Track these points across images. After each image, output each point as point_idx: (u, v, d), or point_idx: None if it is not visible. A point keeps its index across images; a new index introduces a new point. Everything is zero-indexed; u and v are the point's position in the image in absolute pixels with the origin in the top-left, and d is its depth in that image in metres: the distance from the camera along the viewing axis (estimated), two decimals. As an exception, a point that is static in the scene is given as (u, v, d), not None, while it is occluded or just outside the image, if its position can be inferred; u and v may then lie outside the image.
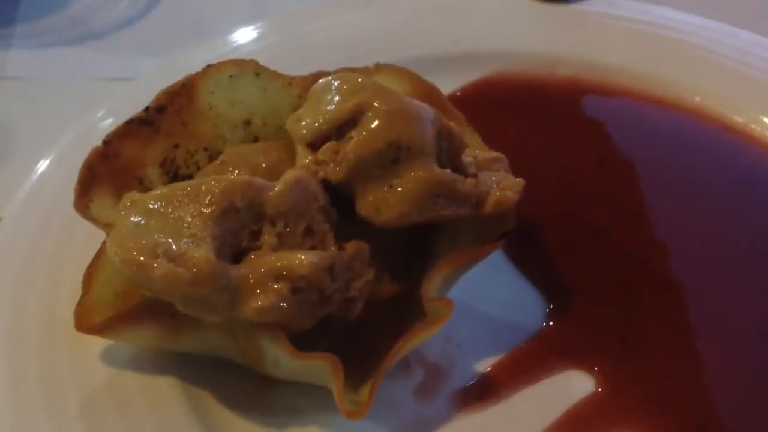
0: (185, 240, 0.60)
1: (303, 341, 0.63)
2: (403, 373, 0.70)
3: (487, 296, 0.76)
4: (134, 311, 0.63)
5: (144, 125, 0.70)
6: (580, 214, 0.83)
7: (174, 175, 0.71)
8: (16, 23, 1.10)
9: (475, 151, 0.75)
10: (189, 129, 0.72)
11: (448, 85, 0.96)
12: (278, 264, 0.60)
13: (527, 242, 0.80)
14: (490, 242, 0.69)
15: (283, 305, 0.60)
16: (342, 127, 0.66)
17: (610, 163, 0.89)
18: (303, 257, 0.60)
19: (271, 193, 0.63)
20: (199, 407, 0.65)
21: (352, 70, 0.78)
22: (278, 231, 0.63)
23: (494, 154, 0.75)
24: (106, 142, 0.69)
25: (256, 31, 1.00)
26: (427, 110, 0.68)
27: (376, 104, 0.65)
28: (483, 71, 0.99)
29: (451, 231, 0.72)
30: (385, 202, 0.65)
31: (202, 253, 0.58)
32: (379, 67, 0.80)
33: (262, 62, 0.75)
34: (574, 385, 0.69)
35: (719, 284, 0.77)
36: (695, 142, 0.91)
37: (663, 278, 0.77)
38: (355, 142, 0.65)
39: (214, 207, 0.61)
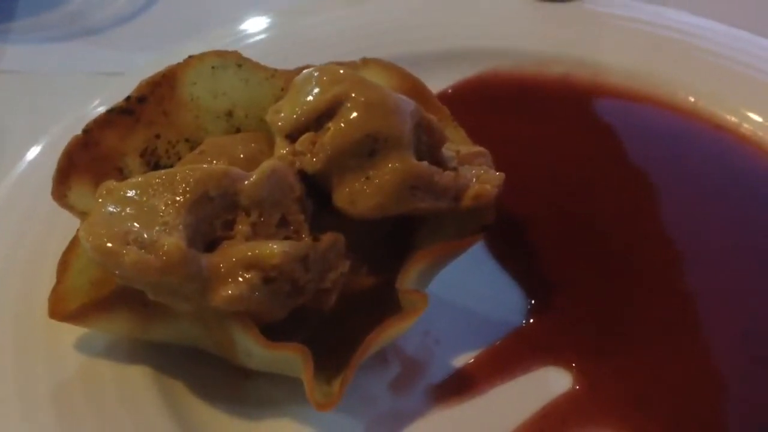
0: (158, 228, 0.60)
1: (279, 332, 0.63)
2: (380, 366, 0.69)
3: (468, 291, 0.75)
4: (107, 299, 0.63)
5: (125, 115, 0.70)
6: (567, 210, 0.83)
7: (155, 165, 0.71)
8: (15, 18, 1.11)
9: (458, 145, 0.74)
10: (170, 119, 0.72)
11: (441, 81, 0.97)
12: (249, 253, 0.60)
13: (511, 238, 0.80)
14: (469, 236, 0.68)
15: (254, 294, 0.59)
16: (320, 118, 0.66)
17: (600, 161, 0.89)
18: (275, 247, 0.60)
19: (246, 183, 0.63)
20: (172, 397, 0.65)
21: (340, 64, 0.78)
22: (252, 221, 0.62)
23: (477, 148, 0.74)
24: (87, 131, 0.69)
25: (250, 26, 1.00)
26: (406, 103, 0.67)
27: (353, 95, 0.65)
28: (477, 68, 0.98)
29: (432, 224, 0.72)
30: (361, 194, 0.64)
31: (172, 241, 0.58)
32: (366, 62, 0.80)
33: (255, 57, 0.75)
34: (552, 382, 0.68)
35: (705, 282, 0.76)
36: (687, 141, 0.90)
37: (648, 276, 0.77)
38: (332, 132, 0.64)
39: (187, 195, 0.61)
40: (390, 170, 0.64)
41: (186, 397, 0.66)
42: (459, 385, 0.68)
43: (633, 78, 0.96)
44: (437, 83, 0.95)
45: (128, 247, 0.58)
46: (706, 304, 0.74)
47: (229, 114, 0.74)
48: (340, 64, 0.77)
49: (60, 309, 0.64)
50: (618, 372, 0.69)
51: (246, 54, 0.76)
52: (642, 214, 0.82)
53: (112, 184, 0.63)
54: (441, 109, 0.77)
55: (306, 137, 0.65)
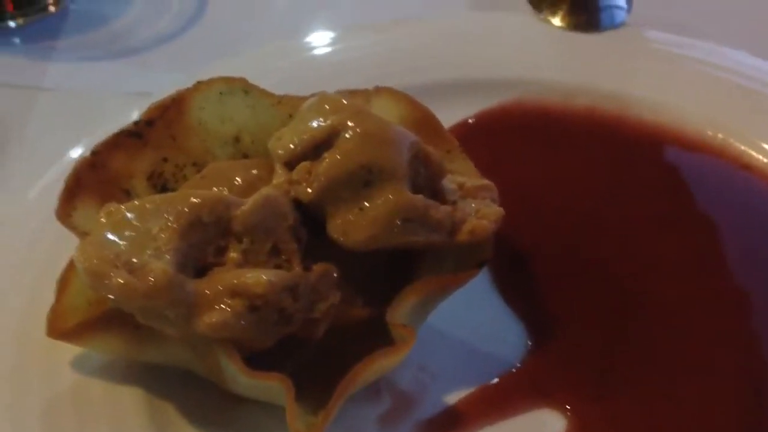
0: (149, 252, 0.61)
1: (269, 360, 0.63)
2: (371, 399, 0.69)
3: (468, 326, 0.74)
4: (100, 320, 0.64)
5: (133, 137, 0.72)
6: (579, 248, 0.81)
7: (162, 188, 0.72)
8: (60, 37, 1.15)
9: (465, 178, 0.74)
10: (178, 143, 0.73)
11: (462, 110, 0.96)
12: (235, 281, 0.60)
13: (518, 273, 0.79)
14: (465, 271, 0.67)
15: (239, 322, 0.60)
16: (318, 148, 0.66)
17: (621, 197, 0.87)
18: (262, 276, 0.60)
19: (239, 210, 0.63)
20: (162, 421, 0.65)
21: (353, 92, 0.78)
22: (244, 248, 0.63)
23: (484, 182, 0.73)
24: (95, 153, 0.71)
25: (278, 51, 1.02)
26: (403, 134, 0.67)
27: (350, 126, 0.65)
28: (500, 98, 0.97)
29: (432, 258, 0.71)
30: (354, 225, 0.64)
31: (160, 266, 0.59)
32: (378, 90, 0.80)
33: (279, 82, 0.76)
34: (545, 424, 0.66)
35: (717, 331, 0.73)
36: (713, 181, 0.87)
37: (658, 319, 0.74)
38: (327, 163, 0.65)
39: (181, 221, 0.62)
40: (383, 202, 0.64)
41: (176, 420, 0.66)
42: (449, 423, 0.67)
43: (661, 113, 0.93)
44: (459, 112, 0.95)
45: (116, 270, 0.59)
46: (717, 354, 0.71)
47: (236, 139, 0.75)
48: (353, 92, 0.78)
49: (57, 327, 0.65)
50: (614, 419, 0.67)
51: (267, 80, 0.77)
52: (657, 255, 0.80)
53: (113, 206, 0.64)
54: (450, 140, 0.77)
55: (302, 166, 0.66)
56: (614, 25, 1.06)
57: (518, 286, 0.77)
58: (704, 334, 0.73)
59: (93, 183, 0.70)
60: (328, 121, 0.66)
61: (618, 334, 0.73)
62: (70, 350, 0.68)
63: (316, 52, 1.03)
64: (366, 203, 0.64)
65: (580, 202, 0.87)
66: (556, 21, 1.07)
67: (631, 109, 0.95)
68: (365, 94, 0.79)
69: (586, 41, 1.03)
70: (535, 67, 0.99)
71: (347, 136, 0.65)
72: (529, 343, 0.72)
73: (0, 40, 1.13)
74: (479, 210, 0.68)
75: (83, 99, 1.04)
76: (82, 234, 0.67)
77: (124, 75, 1.09)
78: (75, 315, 0.66)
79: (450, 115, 0.94)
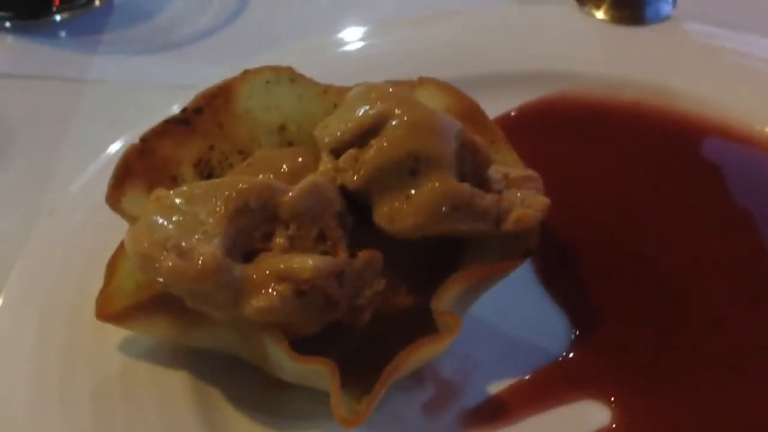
0: (198, 236, 0.61)
1: (315, 348, 0.63)
2: (415, 387, 0.69)
3: (512, 316, 0.74)
4: (148, 303, 0.65)
5: (181, 125, 0.72)
6: (623, 240, 0.81)
7: (208, 175, 0.73)
8: (104, 31, 1.16)
9: (510, 168, 0.73)
10: (225, 131, 0.74)
11: (506, 103, 0.95)
12: (282, 266, 0.61)
13: (562, 265, 0.78)
14: (510, 260, 0.67)
15: (285, 306, 0.60)
16: (364, 135, 0.66)
17: (665, 191, 0.86)
18: (308, 261, 0.61)
19: (286, 197, 0.64)
20: (206, 404, 0.66)
21: (396, 82, 0.79)
22: (290, 234, 0.63)
23: (529, 172, 0.73)
24: (144, 140, 0.71)
25: (319, 44, 1.02)
26: (450, 123, 0.67)
27: (397, 114, 0.65)
28: (544, 91, 0.97)
29: (477, 247, 0.71)
30: (400, 212, 0.64)
31: (209, 250, 0.60)
32: (422, 81, 0.80)
33: (321, 75, 0.76)
34: (589, 416, 0.66)
35: (766, 326, 0.72)
36: (760, 175, 0.86)
37: (704, 313, 0.73)
38: (375, 150, 0.65)
39: (229, 206, 0.62)
40: (429, 190, 0.64)
41: (220, 404, 0.67)
42: (492, 413, 0.67)
43: (707, 107, 0.92)
44: (502, 105, 0.95)
45: (166, 253, 0.60)
46: (757, 349, 0.70)
47: (282, 128, 0.75)
48: (396, 83, 0.78)
49: (106, 310, 0.66)
50: (660, 412, 0.66)
51: (312, 71, 0.77)
52: (704, 250, 0.79)
53: (161, 191, 0.65)
54: (495, 131, 0.77)
55: (349, 154, 0.66)
56: (659, 20, 1.05)
57: (562, 278, 0.77)
58: (753, 330, 0.72)
59: (142, 169, 0.70)
60: (375, 109, 0.66)
61: (664, 327, 0.72)
62: (118, 333, 0.69)
63: (359, 44, 1.03)
64: (412, 191, 0.64)
65: (623, 195, 0.86)
66: (600, 14, 1.07)
67: (676, 103, 0.94)
68: (409, 85, 0.79)
69: (629, 34, 1.02)
70: (579, 61, 0.98)
71: (394, 124, 0.65)
72: (573, 335, 0.72)
73: (47, 33, 1.15)
74: (525, 199, 0.68)
75: (127, 91, 1.06)
76: (132, 219, 0.68)
77: (167, 68, 1.10)
78: (124, 298, 0.67)
79: (493, 107, 0.93)
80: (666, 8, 1.07)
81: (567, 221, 0.82)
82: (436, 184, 0.64)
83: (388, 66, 0.95)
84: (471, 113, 0.77)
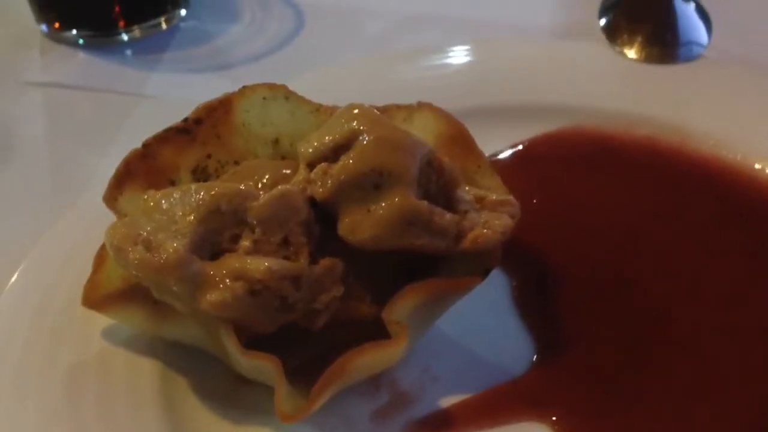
0: (170, 233, 0.66)
1: (282, 352, 0.67)
2: (371, 393, 0.71)
3: (480, 335, 0.76)
4: (124, 292, 0.71)
5: (182, 133, 0.78)
6: (612, 274, 0.81)
7: (204, 181, 0.78)
8: (166, 51, 1.25)
9: (487, 192, 0.75)
10: (223, 141, 0.79)
11: (523, 132, 0.98)
12: (238, 265, 0.65)
13: (541, 291, 0.80)
14: (467, 278, 0.69)
15: (238, 303, 0.64)
16: (337, 150, 0.70)
17: (665, 227, 0.86)
18: (264, 263, 0.65)
19: (255, 203, 0.68)
20: (170, 392, 0.71)
21: (398, 106, 0.82)
22: (256, 237, 0.68)
23: (507, 198, 0.75)
24: (146, 145, 0.78)
25: (357, 68, 1.08)
26: (417, 143, 0.70)
27: (368, 131, 0.69)
28: (562, 123, 0.98)
29: (446, 264, 0.73)
30: (361, 224, 0.67)
31: (174, 246, 0.65)
32: (420, 106, 0.83)
33: (353, 98, 0.80)
34: (531, 436, 0.67)
35: (733, 359, 0.72)
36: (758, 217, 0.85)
37: (672, 351, 0.73)
38: (342, 164, 0.69)
39: (201, 208, 0.67)
40: (389, 205, 0.67)
41: (186, 394, 0.71)
42: (438, 425, 0.68)
43: (721, 148, 0.92)
44: (520, 133, 0.97)
45: (135, 246, 0.65)
46: (728, 380, 0.70)
47: (276, 141, 0.80)
48: (399, 107, 0.82)
49: (90, 297, 0.72)
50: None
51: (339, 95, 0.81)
52: (694, 289, 0.79)
53: (151, 192, 0.71)
54: (480, 157, 0.79)
55: (320, 167, 0.70)
56: (691, 59, 1.05)
57: (537, 304, 0.78)
58: (723, 369, 0.71)
59: (142, 172, 0.76)
60: (348, 127, 0.70)
61: (631, 360, 0.73)
62: (104, 322, 0.74)
63: (393, 70, 1.08)
64: (374, 205, 0.67)
65: (623, 229, 0.86)
66: (631, 53, 1.07)
67: (690, 142, 0.93)
68: (408, 109, 0.83)
69: (653, 72, 1.03)
70: (598, 95, 0.99)
71: (363, 140, 0.69)
72: (536, 358, 0.73)
73: (114, 51, 1.24)
74: (487, 221, 0.70)
75: (176, 106, 1.13)
76: (123, 217, 0.74)
77: (217, 87, 1.16)
78: (108, 288, 0.73)
79: (509, 136, 0.97)
80: (698, 50, 1.06)
81: (559, 250, 0.84)
82: (396, 199, 0.67)
83: (418, 92, 0.98)
84: (460, 138, 0.80)
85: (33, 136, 1.10)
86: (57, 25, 1.25)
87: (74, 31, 1.24)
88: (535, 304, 0.78)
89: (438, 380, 0.72)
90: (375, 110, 0.73)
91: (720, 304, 0.77)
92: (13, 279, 0.78)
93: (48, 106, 1.17)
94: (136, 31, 1.26)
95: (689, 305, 0.77)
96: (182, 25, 1.30)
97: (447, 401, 0.70)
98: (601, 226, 0.87)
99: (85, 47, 1.25)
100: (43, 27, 1.26)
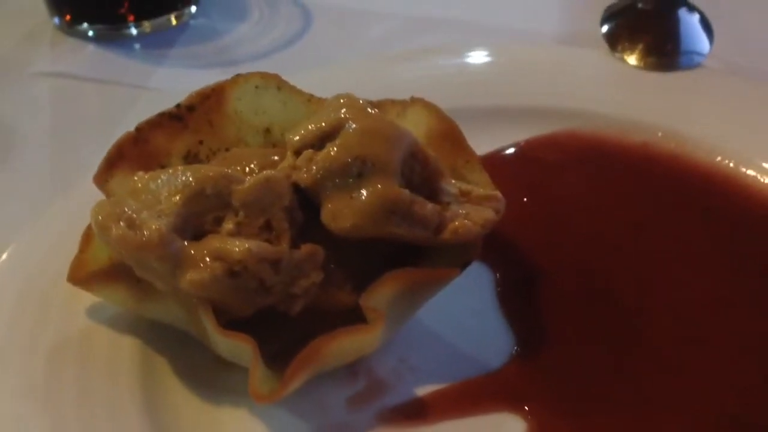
0: (153, 213, 0.67)
1: (262, 337, 0.67)
2: (347, 380, 0.72)
3: (461, 329, 0.76)
4: (108, 270, 0.72)
5: (174, 119, 0.79)
6: (597, 276, 0.81)
7: (194, 167, 0.80)
8: (174, 47, 1.27)
9: (472, 187, 0.76)
10: (214, 129, 0.80)
11: (519, 133, 0.98)
12: (219, 245, 0.66)
13: (526, 288, 0.80)
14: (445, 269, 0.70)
15: (216, 283, 0.65)
16: (323, 139, 0.71)
17: (652, 232, 0.86)
18: (244, 244, 0.66)
19: (240, 186, 0.69)
20: (150, 371, 0.72)
21: (393, 102, 0.83)
22: (238, 220, 0.68)
23: (493, 193, 0.75)
24: (138, 129, 0.79)
25: (356, 67, 1.08)
26: (402, 134, 0.71)
27: (353, 121, 0.70)
28: (557, 126, 0.98)
29: (430, 256, 0.74)
30: (342, 212, 0.68)
31: (156, 224, 0.66)
32: (413, 101, 0.84)
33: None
34: (502, 426, 0.67)
35: (704, 364, 0.72)
36: (756, 228, 0.84)
37: (651, 353, 0.73)
38: (326, 152, 0.69)
39: (186, 190, 0.68)
40: (371, 193, 0.68)
41: (165, 374, 0.72)
42: (412, 412, 0.69)
43: (715, 155, 0.92)
44: (515, 134, 0.97)
45: (117, 224, 0.66)
46: (698, 384, 0.70)
47: (267, 130, 0.81)
48: (393, 102, 0.83)
49: (76, 275, 0.73)
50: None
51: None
52: (677, 295, 0.79)
53: (140, 174, 0.72)
54: (470, 152, 0.80)
55: (305, 154, 0.71)
56: (691, 67, 1.05)
57: (519, 301, 0.78)
58: (697, 377, 0.71)
59: (133, 156, 0.77)
60: (334, 116, 0.71)
61: (607, 361, 0.73)
62: (89, 299, 0.75)
63: (395, 68, 1.08)
64: (356, 193, 0.68)
65: (611, 233, 0.86)
66: (632, 60, 1.07)
67: (685, 149, 0.93)
68: (402, 104, 0.83)
69: (652, 79, 1.03)
70: (594, 100, 0.99)
71: (348, 129, 0.70)
72: (514, 352, 0.73)
73: (123, 45, 1.26)
74: (469, 213, 0.71)
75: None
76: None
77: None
78: (94, 267, 0.74)
79: (505, 137, 0.97)
80: (699, 59, 1.06)
81: (546, 250, 0.84)
82: (378, 187, 0.68)
83: (417, 91, 1.00)
84: (450, 133, 0.80)
85: (40, 126, 1.12)
86: (68, 17, 1.27)
87: (85, 25, 1.26)
88: (518, 301, 0.78)
89: (415, 370, 0.73)
90: (361, 101, 0.74)
91: (698, 314, 0.77)
92: (3, 257, 0.79)
93: (54, 96, 1.19)
94: (146, 27, 1.28)
95: (668, 312, 0.77)
96: (192, 22, 1.32)
97: (423, 390, 0.71)
98: (589, 228, 0.87)
99: (95, 40, 1.27)
100: (56, 20, 1.28)
